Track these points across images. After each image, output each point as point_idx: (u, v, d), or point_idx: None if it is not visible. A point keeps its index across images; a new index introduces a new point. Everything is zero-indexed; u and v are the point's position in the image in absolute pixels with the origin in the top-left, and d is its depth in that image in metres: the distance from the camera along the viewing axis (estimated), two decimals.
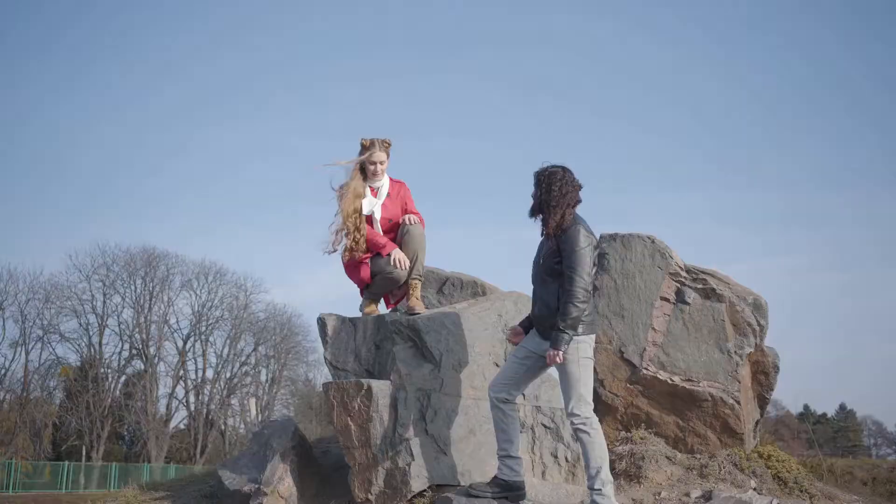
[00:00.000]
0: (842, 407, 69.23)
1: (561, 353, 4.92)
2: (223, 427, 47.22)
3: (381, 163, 6.10)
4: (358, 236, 6.02)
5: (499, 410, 5.29)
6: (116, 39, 66.54)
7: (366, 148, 6.07)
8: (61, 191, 66.46)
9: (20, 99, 62.48)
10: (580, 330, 4.97)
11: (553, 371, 6.55)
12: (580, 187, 5.21)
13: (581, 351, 5.02)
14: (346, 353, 6.28)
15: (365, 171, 6.11)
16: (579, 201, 5.20)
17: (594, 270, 5.18)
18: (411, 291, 6.20)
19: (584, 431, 4.96)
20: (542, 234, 5.27)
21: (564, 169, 5.22)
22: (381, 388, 5.79)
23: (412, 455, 5.69)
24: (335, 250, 6.20)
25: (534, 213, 5.24)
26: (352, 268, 6.21)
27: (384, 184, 6.17)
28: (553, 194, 5.08)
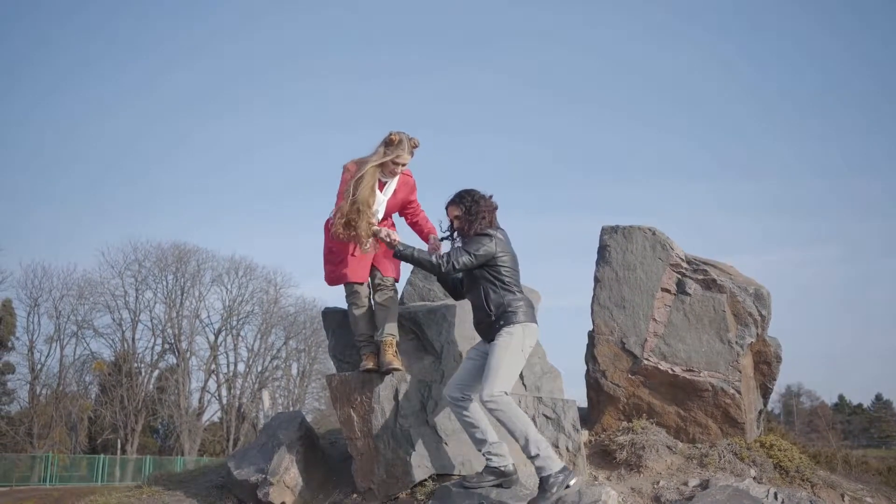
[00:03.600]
0: (878, 397, 68.42)
1: (389, 242, 5.44)
2: (255, 420, 47.74)
3: (404, 165, 5.73)
4: (360, 220, 5.52)
5: (457, 408, 5.46)
6: (132, 30, 67.01)
7: (394, 144, 5.61)
8: (92, 188, 67.35)
9: (40, 99, 63.25)
10: (503, 322, 5.29)
11: (540, 364, 6.63)
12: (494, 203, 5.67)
13: (513, 340, 5.26)
14: (349, 346, 6.40)
15: (383, 165, 5.68)
16: (496, 207, 5.67)
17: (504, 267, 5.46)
18: (385, 348, 5.80)
19: (497, 409, 5.10)
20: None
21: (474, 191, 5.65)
22: (386, 381, 5.91)
23: (413, 445, 5.81)
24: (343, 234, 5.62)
25: (462, 231, 5.58)
26: (336, 256, 5.89)
27: (395, 179, 5.85)
28: (480, 208, 5.52)
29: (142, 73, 67.89)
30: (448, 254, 5.36)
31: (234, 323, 46.92)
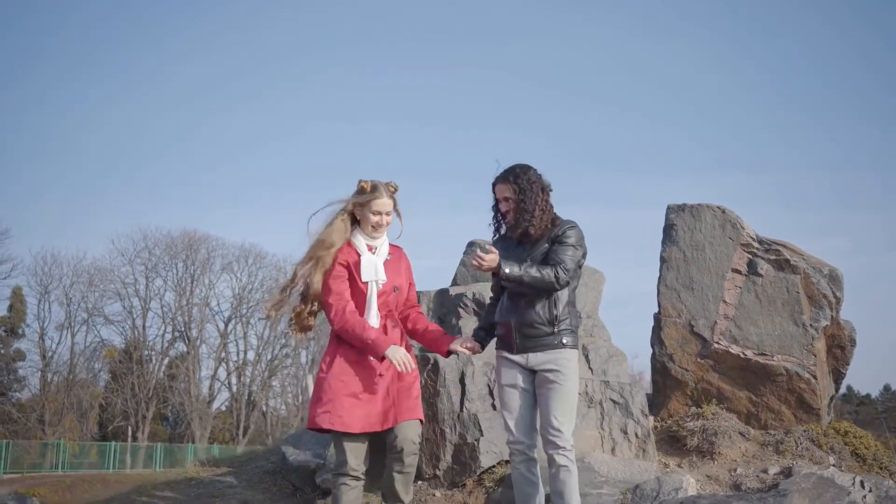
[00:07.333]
0: (886, 388, 68.10)
1: (501, 267, 3.89)
2: (265, 408, 47.65)
3: (388, 213, 4.23)
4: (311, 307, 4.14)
5: (525, 461, 4.09)
6: (141, 20, 66.45)
7: (366, 192, 4.21)
8: (101, 175, 67.08)
9: (49, 87, 62.95)
10: (567, 341, 4.06)
11: (606, 347, 6.38)
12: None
13: (574, 367, 4.10)
14: None
15: (359, 221, 4.26)
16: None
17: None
18: None
19: (566, 467, 3.93)
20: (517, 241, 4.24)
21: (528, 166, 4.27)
22: (448, 363, 5.68)
23: (481, 430, 5.58)
24: (270, 316, 4.31)
25: (518, 225, 4.14)
26: (337, 387, 4.00)
27: (384, 243, 4.31)
28: (534, 193, 4.14)
29: (152, 62, 67.19)
30: (553, 265, 4.01)
31: (244, 311, 46.68)
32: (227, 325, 46.36)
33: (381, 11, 70.07)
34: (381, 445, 4.11)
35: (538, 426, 4.05)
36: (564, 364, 4.02)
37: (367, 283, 4.10)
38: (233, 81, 68.80)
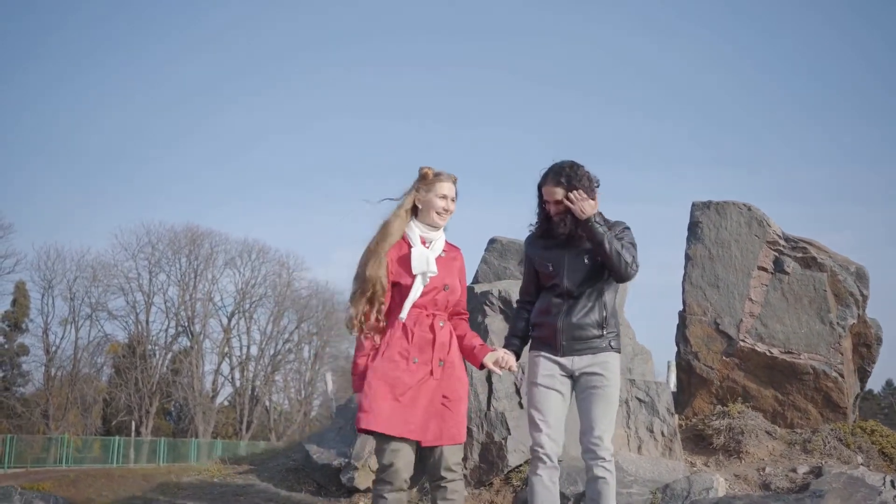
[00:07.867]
0: (888, 383, 68.14)
1: (591, 217, 3.84)
2: (268, 403, 47.65)
3: (453, 199, 4.00)
4: (377, 305, 3.80)
5: (549, 469, 3.88)
6: (147, 16, 66.27)
7: (429, 178, 4.00)
8: (104, 171, 67.01)
9: (50, 85, 62.83)
10: (614, 345, 3.95)
11: (631, 345, 6.34)
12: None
13: (618, 372, 3.98)
14: None
15: (417, 212, 4.02)
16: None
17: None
18: None
19: (605, 479, 3.80)
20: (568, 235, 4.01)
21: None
22: None
23: (508, 429, 5.56)
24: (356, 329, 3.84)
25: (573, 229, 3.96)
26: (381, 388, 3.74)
27: (439, 238, 4.02)
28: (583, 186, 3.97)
29: (156, 58, 67.01)
30: (627, 251, 3.88)
31: (247, 306, 46.63)
32: (230, 320, 46.33)
33: (380, 11, 69.90)
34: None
35: (579, 433, 3.94)
36: (610, 368, 3.91)
37: (415, 275, 3.82)
38: (234, 79, 68.62)
